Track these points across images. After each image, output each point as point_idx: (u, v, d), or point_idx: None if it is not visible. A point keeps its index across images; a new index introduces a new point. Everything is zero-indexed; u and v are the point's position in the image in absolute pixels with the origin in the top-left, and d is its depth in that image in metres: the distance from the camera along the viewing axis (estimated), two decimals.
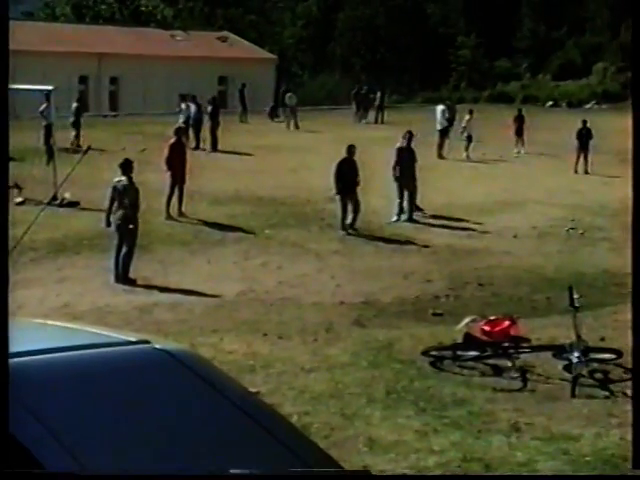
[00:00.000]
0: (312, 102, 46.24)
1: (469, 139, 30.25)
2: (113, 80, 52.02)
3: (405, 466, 7.23)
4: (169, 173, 18.96)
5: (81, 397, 2.51)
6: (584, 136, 27.80)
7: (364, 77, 59.32)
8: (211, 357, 8.57)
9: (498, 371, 9.73)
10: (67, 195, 19.47)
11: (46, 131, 24.13)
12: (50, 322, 3.38)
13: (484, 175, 26.70)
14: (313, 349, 10.50)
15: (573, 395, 9.00)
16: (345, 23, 69.24)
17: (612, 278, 14.86)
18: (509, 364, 9.72)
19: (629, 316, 11.60)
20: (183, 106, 31.62)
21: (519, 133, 32.06)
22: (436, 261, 16.02)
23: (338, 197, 18.06)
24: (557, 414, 8.54)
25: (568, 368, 9.43)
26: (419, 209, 20.20)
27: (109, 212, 14.32)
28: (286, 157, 28.46)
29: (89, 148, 18.89)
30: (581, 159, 27.64)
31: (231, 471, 2.45)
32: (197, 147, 29.50)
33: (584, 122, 28.37)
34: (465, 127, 30.62)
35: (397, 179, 19.37)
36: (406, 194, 19.34)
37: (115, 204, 14.24)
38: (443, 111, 31.51)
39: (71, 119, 29.21)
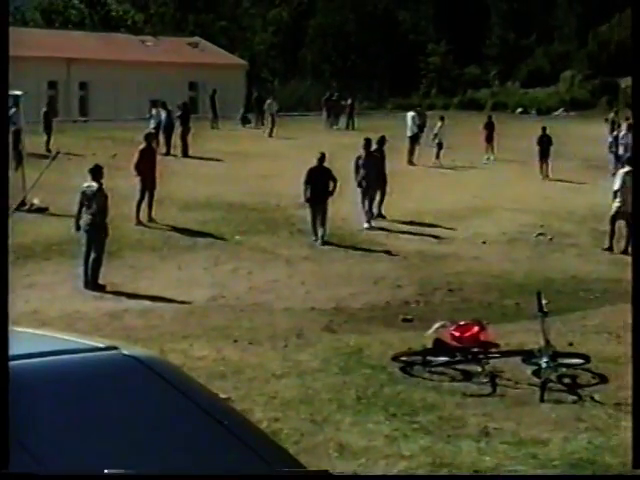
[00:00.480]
0: (283, 108, 46.19)
1: (440, 146, 30.41)
2: (83, 85, 51.73)
3: (375, 471, 7.24)
4: (139, 178, 18.89)
5: (49, 402, 2.50)
6: (544, 143, 28.17)
7: (335, 84, 59.44)
8: (181, 363, 8.55)
9: (468, 376, 9.78)
10: (36, 200, 19.32)
11: (15, 136, 23.91)
12: (19, 328, 3.36)
13: (454, 181, 26.84)
14: (283, 355, 10.49)
15: (542, 400, 9.06)
16: (316, 30, 69.38)
17: (580, 284, 15.00)
18: (479, 369, 9.77)
19: (597, 321, 11.69)
20: (154, 112, 31.52)
21: (489, 140, 32.28)
22: (406, 267, 16.08)
23: (307, 205, 18.00)
24: (526, 419, 8.59)
25: (537, 373, 9.49)
26: (382, 216, 20.27)
27: (78, 217, 14.25)
28: (257, 163, 28.44)
29: (58, 153, 18.71)
30: (543, 165, 27.98)
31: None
32: (168, 153, 29.40)
33: (544, 129, 28.82)
34: (437, 134, 30.78)
35: (360, 185, 19.34)
36: (370, 199, 19.33)
37: (84, 209, 14.17)
38: (413, 118, 31.65)
39: (41, 124, 29.06)
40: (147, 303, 13.27)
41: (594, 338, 11.43)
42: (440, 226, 19.75)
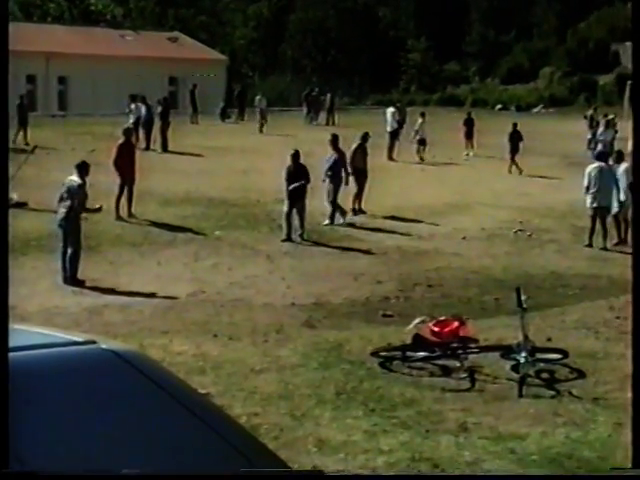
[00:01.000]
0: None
1: (422, 142, 30.46)
2: (62, 80, 51.40)
3: (354, 466, 7.26)
4: (118, 173, 18.83)
5: (26, 397, 2.49)
6: (515, 139, 28.36)
7: (315, 79, 59.41)
8: (160, 358, 8.53)
9: (447, 371, 9.82)
10: (14, 196, 19.20)
11: None
12: None
13: (434, 177, 26.90)
14: (263, 350, 10.50)
15: (520, 395, 9.11)
16: (296, 25, 69.31)
17: (559, 279, 15.07)
18: (458, 364, 9.81)
19: (575, 317, 11.78)
20: (133, 107, 31.39)
21: (469, 136, 32.37)
22: (386, 262, 16.10)
23: (285, 201, 17.75)
24: (504, 414, 8.64)
25: (515, 368, 9.54)
26: (362, 211, 20.26)
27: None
28: (237, 158, 28.39)
29: (35, 147, 18.62)
30: (513, 161, 28.17)
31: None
32: (147, 148, 29.30)
33: (514, 125, 29.04)
34: (417, 130, 30.83)
35: (331, 180, 19.15)
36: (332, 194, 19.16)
37: (61, 202, 14.11)
38: (393, 113, 31.70)
39: (15, 118, 28.83)
40: (127, 298, 13.22)
41: (573, 334, 11.50)
42: (420, 222, 19.79)
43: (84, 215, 14.40)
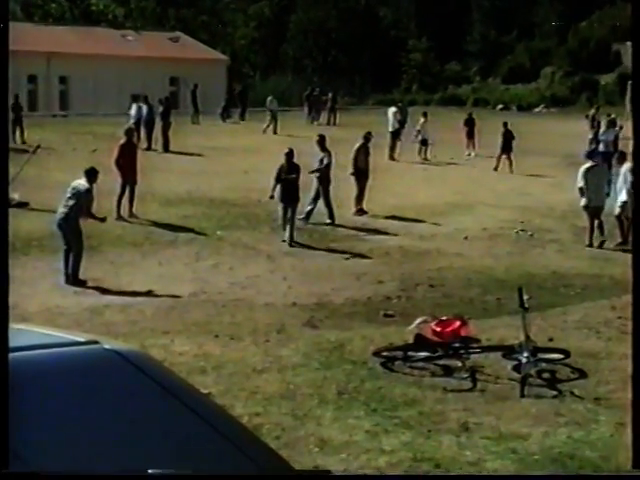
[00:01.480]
0: (264, 103, 46.15)
1: (424, 142, 30.48)
2: (63, 80, 51.44)
3: (356, 466, 7.26)
4: (119, 173, 18.83)
5: (30, 396, 2.48)
6: (507, 138, 28.44)
7: (316, 79, 59.42)
8: (162, 358, 8.52)
9: (448, 371, 9.81)
10: (16, 196, 19.20)
11: None
12: None
13: (435, 177, 26.90)
14: (265, 350, 10.49)
15: (522, 395, 9.10)
16: (297, 25, 69.31)
17: (561, 279, 15.06)
18: (459, 364, 9.80)
19: (577, 317, 11.76)
20: (134, 106, 31.41)
21: (470, 136, 32.37)
22: (388, 262, 16.09)
23: (279, 204, 17.45)
24: (506, 414, 8.63)
25: (517, 368, 9.53)
26: (363, 211, 20.26)
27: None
28: (238, 158, 28.38)
29: (38, 147, 18.57)
30: (509, 160, 28.32)
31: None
32: (149, 148, 29.32)
33: (505, 124, 29.17)
34: (419, 130, 30.84)
35: (320, 182, 18.93)
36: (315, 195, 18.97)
37: (63, 202, 14.13)
38: (395, 113, 31.71)
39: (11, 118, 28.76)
40: (128, 298, 13.22)
41: (574, 333, 11.49)
42: (422, 222, 19.79)
43: (88, 220, 14.39)
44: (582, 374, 9.81)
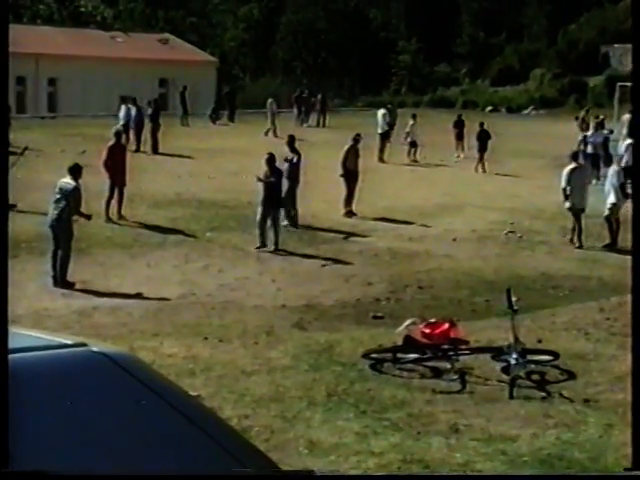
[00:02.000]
0: (253, 105, 46.11)
1: (413, 144, 30.52)
2: (51, 81, 51.30)
3: (345, 468, 7.26)
4: (108, 175, 18.80)
5: (16, 399, 2.47)
6: (483, 138, 28.57)
7: (305, 80, 59.41)
8: (151, 361, 8.51)
9: (437, 373, 9.82)
10: None
11: None
12: None
13: (425, 179, 26.93)
14: (254, 352, 10.48)
15: (511, 396, 9.12)
16: (287, 27, 69.31)
17: (549, 281, 15.10)
18: (448, 366, 9.81)
19: (566, 318, 11.78)
20: (123, 108, 31.35)
21: (459, 138, 32.43)
22: (377, 264, 16.10)
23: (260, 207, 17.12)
24: (495, 415, 8.64)
25: (506, 370, 9.55)
26: (352, 213, 20.23)
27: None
28: (227, 160, 28.35)
29: (25, 149, 18.55)
30: (482, 160, 28.42)
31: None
32: (138, 149, 29.27)
33: (481, 124, 29.38)
34: (409, 132, 30.88)
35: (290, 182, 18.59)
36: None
37: (53, 204, 14.10)
38: (384, 115, 31.74)
39: None
40: (117, 301, 13.19)
41: (563, 335, 11.52)
42: (411, 223, 19.80)
43: (74, 217, 14.36)
44: (571, 375, 9.84)
